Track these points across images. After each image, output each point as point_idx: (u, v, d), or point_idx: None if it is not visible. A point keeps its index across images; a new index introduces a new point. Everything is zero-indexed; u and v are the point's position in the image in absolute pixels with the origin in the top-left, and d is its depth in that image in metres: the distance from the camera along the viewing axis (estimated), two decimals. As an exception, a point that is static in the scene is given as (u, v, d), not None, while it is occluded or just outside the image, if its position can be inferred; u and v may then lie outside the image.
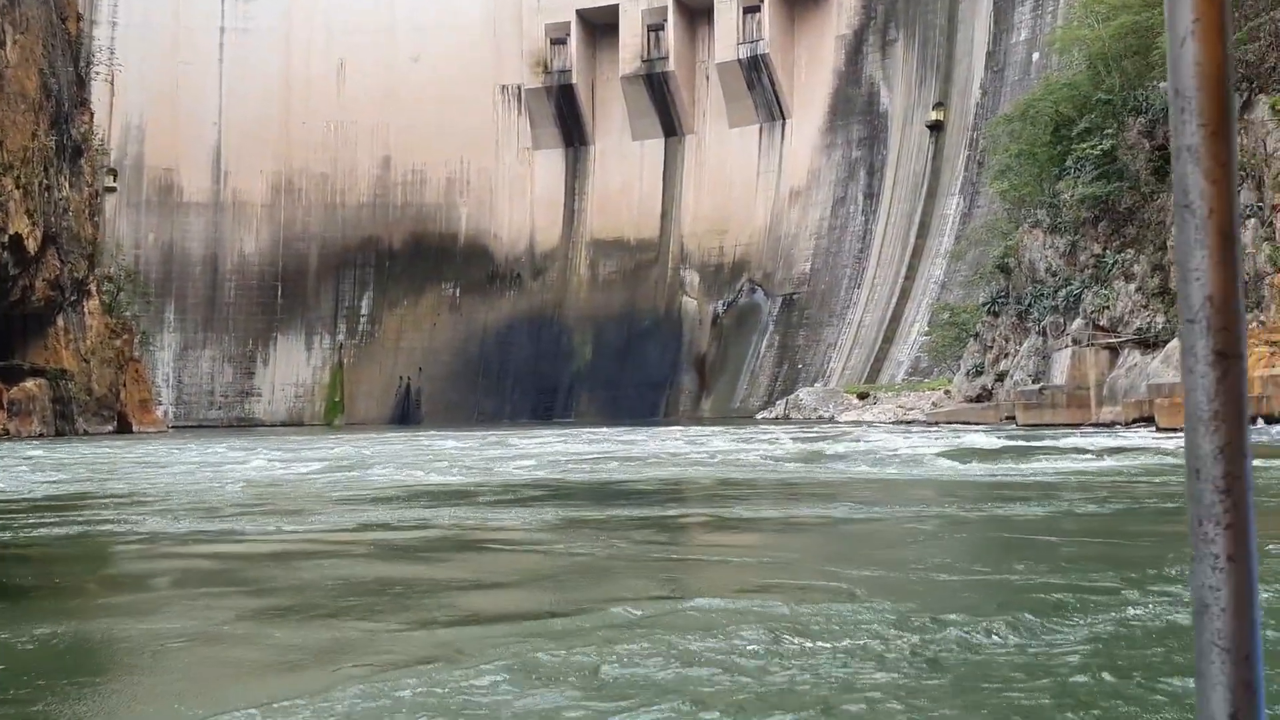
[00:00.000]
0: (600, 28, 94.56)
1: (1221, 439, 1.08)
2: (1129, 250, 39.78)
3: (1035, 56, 74.56)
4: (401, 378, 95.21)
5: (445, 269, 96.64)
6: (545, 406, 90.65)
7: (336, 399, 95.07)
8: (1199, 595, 1.08)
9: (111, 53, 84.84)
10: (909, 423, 49.24)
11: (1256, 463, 18.41)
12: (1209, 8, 1.11)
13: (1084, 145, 41.93)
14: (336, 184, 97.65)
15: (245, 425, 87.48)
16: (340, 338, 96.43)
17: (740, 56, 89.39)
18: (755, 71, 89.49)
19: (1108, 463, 17.95)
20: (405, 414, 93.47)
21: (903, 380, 70.07)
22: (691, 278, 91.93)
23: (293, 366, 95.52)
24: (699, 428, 50.13)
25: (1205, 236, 1.10)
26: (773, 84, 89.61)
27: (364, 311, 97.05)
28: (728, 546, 10.12)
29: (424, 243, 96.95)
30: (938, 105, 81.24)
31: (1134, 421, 33.52)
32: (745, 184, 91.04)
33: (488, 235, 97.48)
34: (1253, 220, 32.08)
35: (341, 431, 64.56)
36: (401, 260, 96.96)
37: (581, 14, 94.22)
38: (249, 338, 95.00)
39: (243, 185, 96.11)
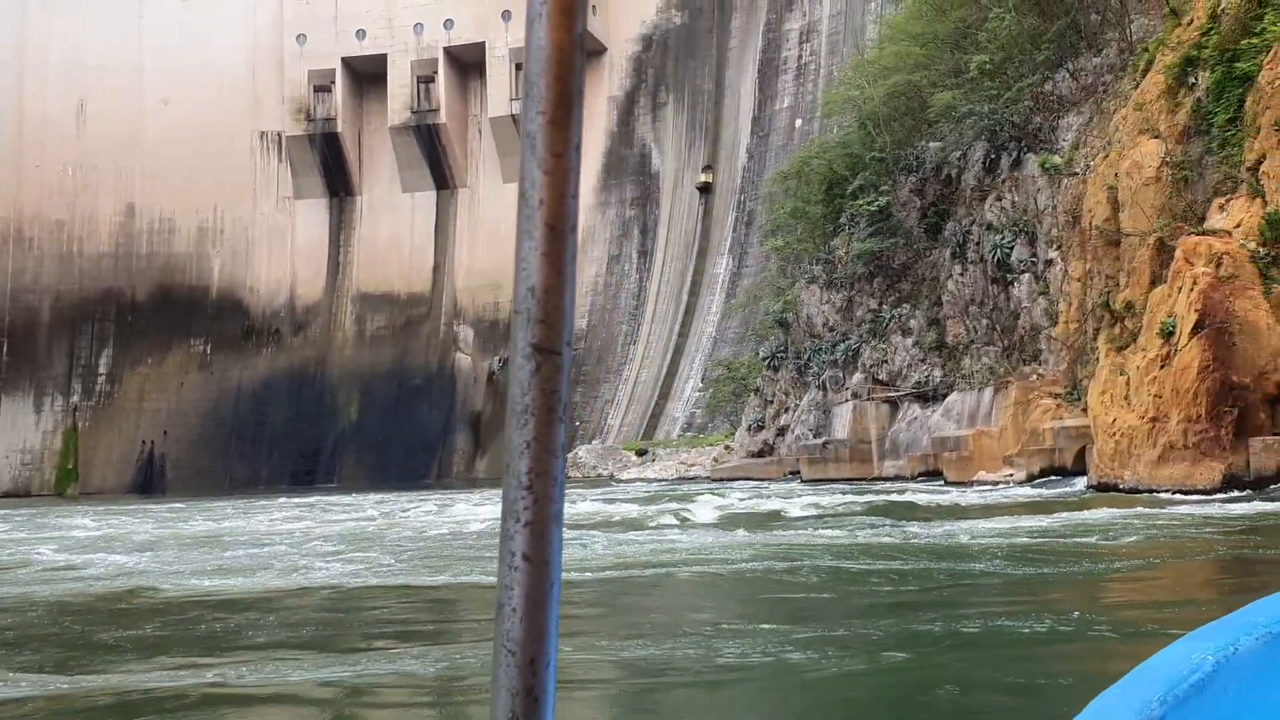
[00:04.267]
0: (367, 77, 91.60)
1: (530, 434, 1.05)
2: (905, 305, 40.38)
3: (798, 123, 77.08)
4: (144, 442, 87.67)
5: (195, 324, 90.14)
6: (306, 471, 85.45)
7: (70, 466, 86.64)
8: (498, 594, 1.04)
9: None
10: (691, 479, 48.35)
11: (1047, 521, 17.50)
12: None
13: (858, 202, 42.57)
14: (74, 231, 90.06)
15: (-41, 497, 78.05)
16: (75, 399, 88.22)
17: (514, 112, 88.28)
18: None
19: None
20: (149, 482, 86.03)
21: (679, 436, 69.83)
22: (466, 334, 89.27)
23: (19, 431, 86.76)
24: (474, 492, 47.64)
25: (534, 227, 1.09)
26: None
27: (102, 370, 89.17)
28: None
29: (172, 295, 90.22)
30: (707, 168, 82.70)
31: (920, 475, 33.50)
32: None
33: (243, 288, 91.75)
34: (1027, 275, 32.85)
35: (76, 502, 58.11)
36: (145, 314, 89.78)
37: (347, 62, 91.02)
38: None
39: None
